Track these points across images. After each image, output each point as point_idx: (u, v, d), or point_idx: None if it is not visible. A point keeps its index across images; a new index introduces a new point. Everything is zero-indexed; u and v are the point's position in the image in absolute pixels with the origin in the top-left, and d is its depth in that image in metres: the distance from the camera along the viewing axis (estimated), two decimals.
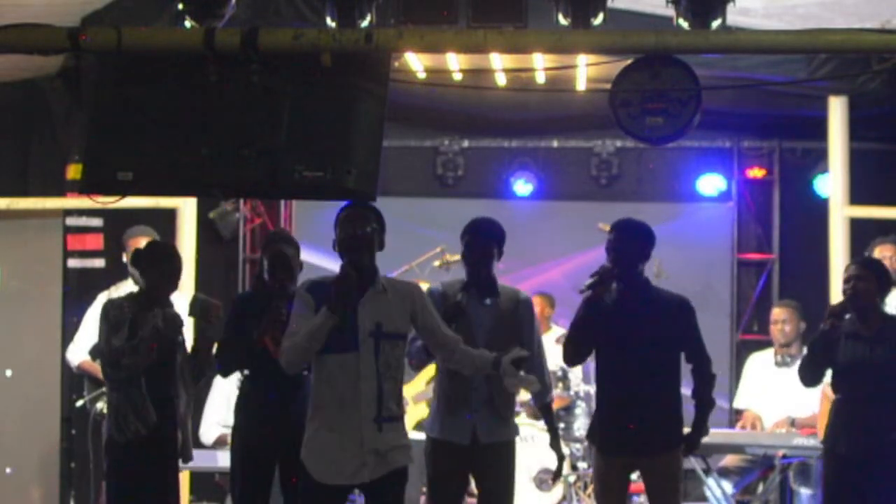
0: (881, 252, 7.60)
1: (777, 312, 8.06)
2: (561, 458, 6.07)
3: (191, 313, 5.79)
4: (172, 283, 5.84)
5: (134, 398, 5.60)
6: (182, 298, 7.83)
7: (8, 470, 8.44)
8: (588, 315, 5.76)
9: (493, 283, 5.94)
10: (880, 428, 5.69)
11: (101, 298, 7.71)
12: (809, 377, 6.04)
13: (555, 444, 6.07)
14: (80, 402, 7.95)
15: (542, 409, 6.12)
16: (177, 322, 5.76)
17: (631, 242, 5.74)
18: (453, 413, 5.80)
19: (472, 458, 5.83)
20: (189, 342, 5.92)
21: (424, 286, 7.00)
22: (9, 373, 8.50)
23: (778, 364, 7.96)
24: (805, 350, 7.73)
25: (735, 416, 8.37)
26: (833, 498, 5.86)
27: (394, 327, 5.15)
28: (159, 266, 5.78)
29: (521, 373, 5.30)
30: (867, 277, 5.80)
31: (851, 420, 5.77)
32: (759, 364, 8.15)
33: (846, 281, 5.85)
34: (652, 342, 5.65)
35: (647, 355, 5.64)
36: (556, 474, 6.15)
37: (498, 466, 5.85)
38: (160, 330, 5.63)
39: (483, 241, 5.90)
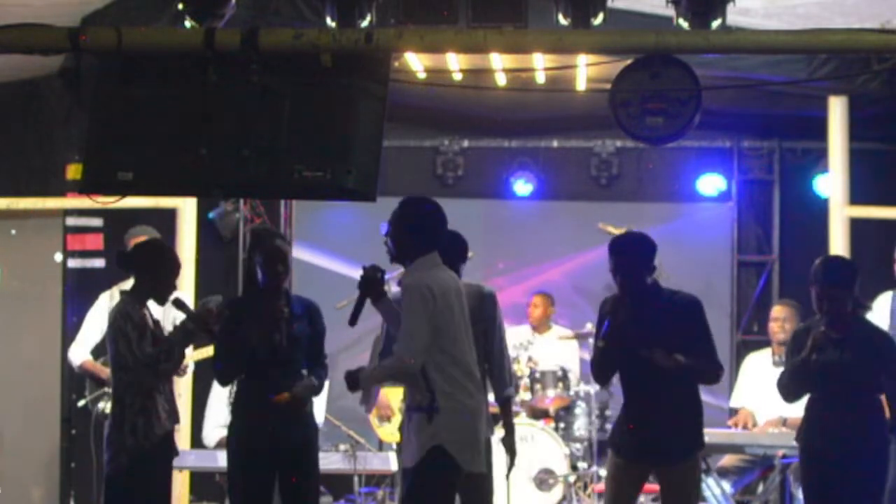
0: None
1: (778, 310, 8.06)
2: (513, 455, 6.03)
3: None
4: (173, 275, 5.79)
5: (163, 399, 5.61)
6: (182, 295, 7.86)
7: None
8: (608, 343, 5.73)
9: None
10: (853, 426, 5.71)
11: (102, 298, 7.73)
12: (789, 396, 6.03)
13: (507, 441, 6.03)
14: (81, 402, 7.94)
15: (501, 404, 6.07)
16: (210, 319, 5.68)
17: (635, 261, 5.69)
18: None
19: None
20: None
21: None
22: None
23: (775, 364, 7.96)
24: None
25: (731, 414, 8.36)
26: (811, 493, 5.88)
27: None
28: (156, 262, 5.74)
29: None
30: (843, 297, 5.79)
31: (824, 419, 5.80)
32: (757, 364, 8.15)
33: (819, 298, 5.79)
34: (668, 349, 5.64)
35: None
36: (507, 472, 6.09)
37: None
38: (189, 331, 5.61)
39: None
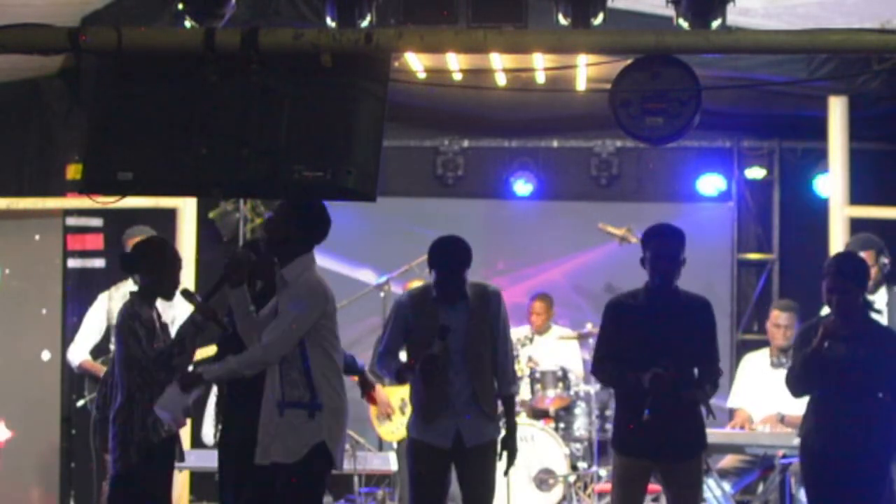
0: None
1: (779, 316, 8.03)
2: (512, 454, 5.99)
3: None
4: (176, 270, 5.78)
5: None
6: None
7: None
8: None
9: (461, 288, 5.93)
10: (857, 425, 5.69)
11: (102, 298, 7.73)
12: (796, 391, 6.01)
13: (509, 440, 5.97)
14: (80, 402, 7.95)
15: (504, 400, 6.04)
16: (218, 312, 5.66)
17: (679, 246, 5.79)
18: (434, 416, 5.83)
19: (454, 459, 5.87)
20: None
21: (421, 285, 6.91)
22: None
23: (773, 365, 7.98)
24: None
25: (730, 415, 8.37)
26: (814, 493, 5.87)
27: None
28: (158, 259, 5.73)
29: None
30: (849, 290, 5.77)
31: (828, 417, 5.77)
32: (754, 364, 8.16)
33: (830, 291, 5.79)
34: (676, 346, 5.64)
35: (670, 359, 5.63)
36: (506, 470, 6.06)
37: (481, 466, 5.89)
38: (198, 323, 5.57)
39: (453, 267, 5.90)
